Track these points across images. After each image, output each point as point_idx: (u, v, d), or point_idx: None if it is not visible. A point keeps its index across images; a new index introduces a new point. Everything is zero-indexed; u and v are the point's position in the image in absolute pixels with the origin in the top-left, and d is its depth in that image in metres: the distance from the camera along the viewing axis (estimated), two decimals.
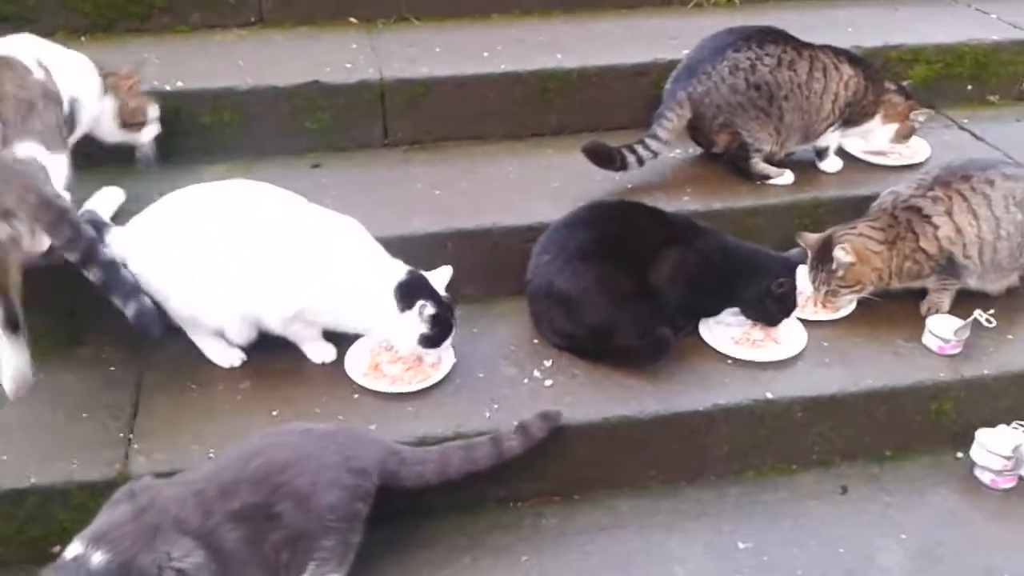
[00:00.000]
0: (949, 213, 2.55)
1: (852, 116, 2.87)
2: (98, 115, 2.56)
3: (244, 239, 2.23)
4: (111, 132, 2.62)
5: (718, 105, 2.76)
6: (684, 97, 2.77)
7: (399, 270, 2.32)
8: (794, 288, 2.52)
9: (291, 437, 2.03)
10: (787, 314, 2.53)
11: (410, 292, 2.28)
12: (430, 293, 2.29)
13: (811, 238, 2.63)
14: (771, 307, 2.51)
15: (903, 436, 2.47)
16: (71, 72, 2.46)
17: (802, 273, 2.63)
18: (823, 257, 2.58)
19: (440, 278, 2.36)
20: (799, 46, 2.80)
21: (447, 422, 2.24)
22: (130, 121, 2.62)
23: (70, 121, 2.43)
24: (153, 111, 2.67)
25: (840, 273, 2.54)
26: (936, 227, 2.55)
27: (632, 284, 2.42)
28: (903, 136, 2.95)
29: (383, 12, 3.38)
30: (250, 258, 2.23)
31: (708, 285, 2.48)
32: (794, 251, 2.61)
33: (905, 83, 3.02)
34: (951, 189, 2.58)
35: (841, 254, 2.51)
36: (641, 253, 2.45)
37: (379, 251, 2.35)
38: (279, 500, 1.89)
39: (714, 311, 2.57)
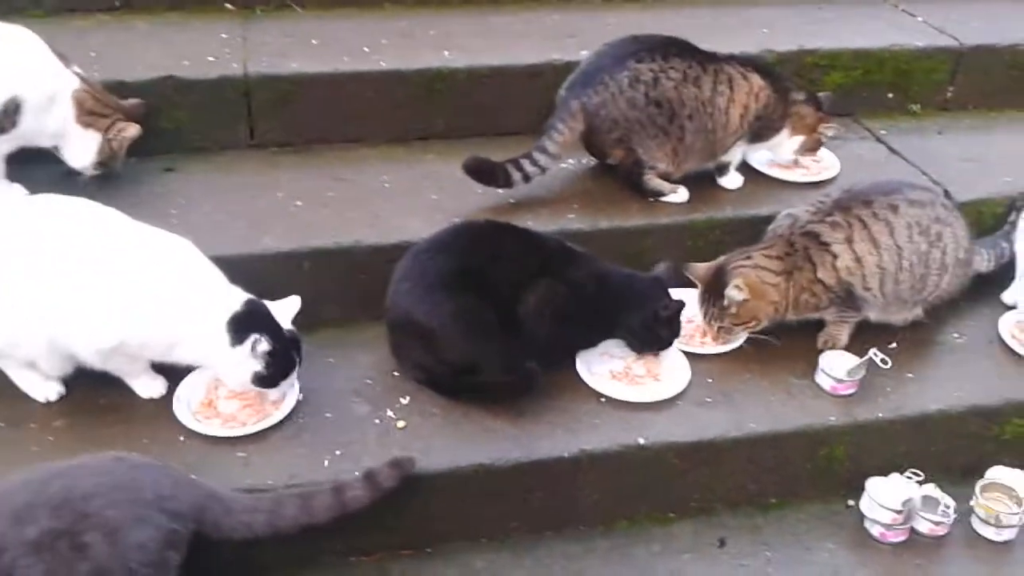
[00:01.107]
0: (849, 241, 2.35)
1: (760, 130, 2.65)
2: (62, 131, 2.36)
3: (49, 263, 1.96)
4: (81, 161, 2.41)
5: (614, 119, 2.53)
6: (577, 107, 2.54)
7: (236, 299, 2.07)
8: (677, 309, 2.31)
9: (100, 463, 1.78)
10: (673, 337, 2.34)
11: (245, 324, 2.04)
12: (268, 326, 2.05)
13: (701, 269, 2.41)
14: (662, 333, 2.31)
15: (790, 483, 2.29)
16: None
17: (691, 301, 2.42)
18: (715, 290, 2.36)
19: (286, 309, 2.12)
20: (705, 60, 2.56)
21: (280, 471, 2.01)
22: (104, 161, 2.43)
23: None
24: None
25: (733, 310, 2.33)
26: (835, 256, 2.35)
27: (497, 316, 2.19)
28: (809, 148, 2.75)
29: None
30: (57, 285, 1.96)
31: (581, 317, 2.26)
32: (660, 267, 2.40)
33: (822, 94, 2.81)
34: (851, 215, 2.37)
35: (734, 292, 2.29)
36: (508, 282, 2.22)
37: (214, 276, 2.10)
38: (86, 529, 1.66)
39: (592, 343, 2.36)
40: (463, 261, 2.24)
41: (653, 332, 2.29)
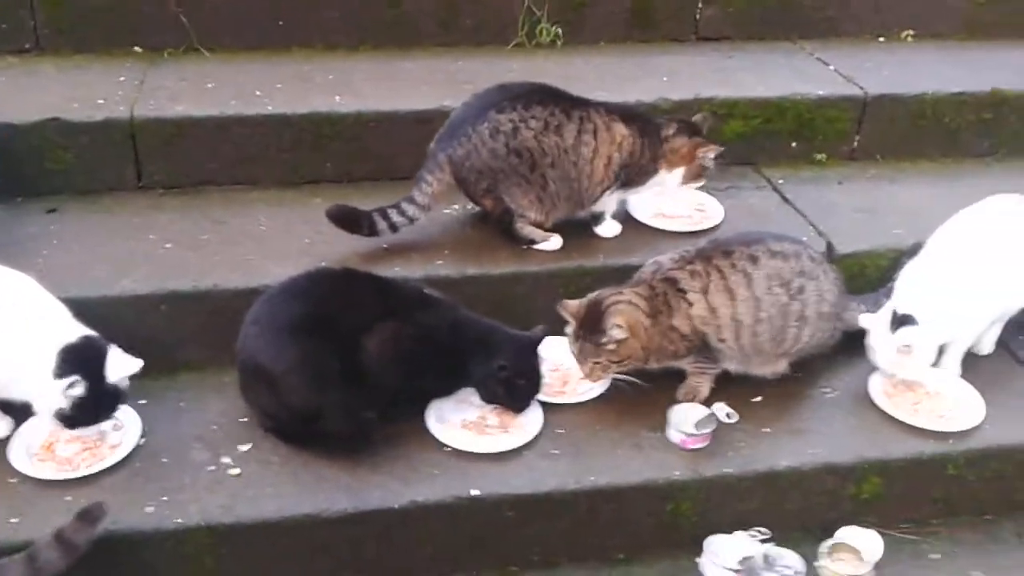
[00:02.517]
0: (705, 291, 2.33)
1: (632, 176, 2.64)
2: None
3: None
4: None
5: (479, 170, 2.53)
6: (444, 160, 2.55)
7: (73, 333, 2.10)
8: (527, 373, 2.29)
9: None
10: (521, 401, 2.31)
11: (72, 360, 2.06)
12: (94, 371, 2.06)
13: (573, 305, 2.37)
14: (499, 392, 2.29)
15: (637, 538, 2.25)
16: None
17: (555, 349, 2.41)
18: (589, 325, 2.32)
19: (124, 365, 2.12)
20: (570, 106, 2.55)
21: None
22: None
23: None
24: None
25: (612, 347, 2.29)
26: (690, 304, 2.32)
27: (345, 364, 2.19)
28: (693, 177, 2.68)
29: (172, 41, 3.15)
30: None
31: (430, 363, 2.25)
32: (538, 328, 2.37)
33: (697, 116, 2.75)
34: (711, 264, 2.35)
35: (617, 332, 2.25)
36: (358, 330, 2.22)
37: (53, 313, 2.13)
38: None
39: (446, 391, 2.35)
40: (314, 307, 2.24)
41: (491, 389, 2.28)
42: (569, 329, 2.37)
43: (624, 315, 2.29)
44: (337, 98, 2.91)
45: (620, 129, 2.57)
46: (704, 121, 2.73)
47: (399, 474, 2.16)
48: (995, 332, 2.63)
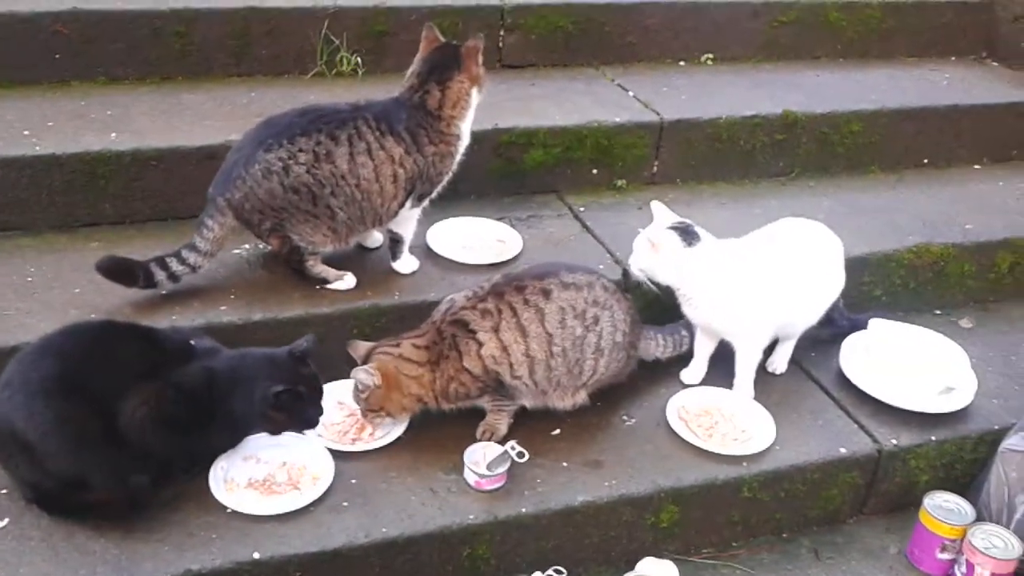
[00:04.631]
0: (496, 329, 2.28)
1: (429, 180, 2.55)
2: None
3: None
4: None
5: (260, 211, 2.42)
6: (224, 204, 2.42)
7: None
8: (302, 381, 2.15)
9: None
10: (305, 415, 2.18)
11: None
12: None
13: (362, 348, 2.33)
14: (281, 419, 2.15)
15: None
16: None
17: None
18: None
19: None
20: (336, 128, 2.43)
21: None
22: None
23: None
24: None
25: (365, 395, 2.24)
26: (480, 344, 2.28)
27: (103, 424, 2.02)
28: (480, 82, 2.58)
29: None
30: None
31: (192, 423, 2.10)
32: (301, 341, 2.21)
33: (427, 39, 2.57)
34: (503, 301, 2.31)
35: (364, 376, 2.21)
36: (116, 387, 2.06)
37: None
38: None
39: (224, 447, 2.22)
40: (70, 364, 2.06)
41: (271, 419, 2.14)
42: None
43: (381, 364, 2.25)
44: (113, 135, 2.73)
45: (393, 148, 2.45)
46: (430, 32, 2.57)
47: (174, 541, 2.02)
48: (787, 351, 2.70)
